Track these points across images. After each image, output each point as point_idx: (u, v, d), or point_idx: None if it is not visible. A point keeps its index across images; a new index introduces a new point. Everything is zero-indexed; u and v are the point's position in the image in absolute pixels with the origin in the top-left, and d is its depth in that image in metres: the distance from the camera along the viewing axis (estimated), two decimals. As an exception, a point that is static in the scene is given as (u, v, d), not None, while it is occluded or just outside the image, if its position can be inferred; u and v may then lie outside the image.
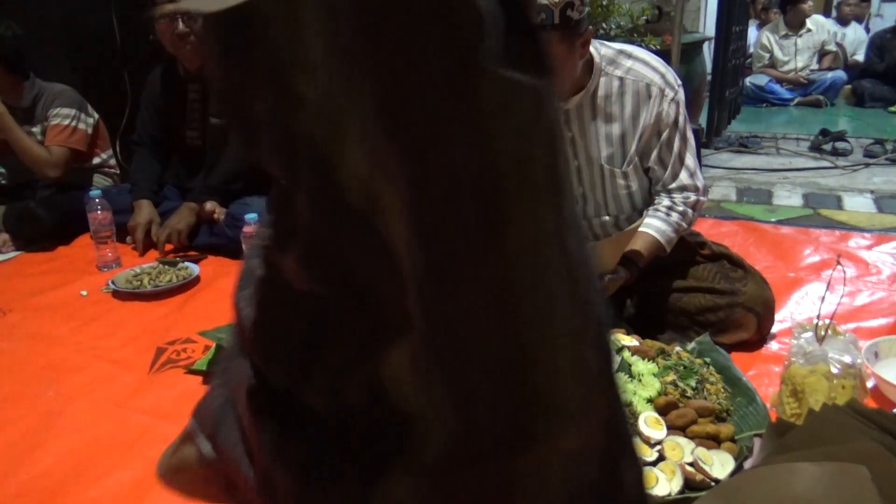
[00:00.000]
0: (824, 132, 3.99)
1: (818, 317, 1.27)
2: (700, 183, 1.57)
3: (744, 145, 4.05)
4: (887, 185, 3.13)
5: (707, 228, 2.42)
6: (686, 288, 1.63)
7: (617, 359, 1.31)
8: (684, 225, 1.57)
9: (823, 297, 1.27)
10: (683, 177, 1.56)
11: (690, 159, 1.56)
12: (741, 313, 1.56)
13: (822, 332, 1.25)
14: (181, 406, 1.45)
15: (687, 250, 1.69)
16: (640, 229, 1.56)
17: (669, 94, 1.51)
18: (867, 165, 3.52)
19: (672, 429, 1.16)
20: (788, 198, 2.95)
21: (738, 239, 2.34)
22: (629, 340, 1.40)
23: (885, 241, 2.27)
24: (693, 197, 1.56)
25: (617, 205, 1.64)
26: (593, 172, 1.60)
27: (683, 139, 1.54)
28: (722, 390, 1.28)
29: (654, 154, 1.55)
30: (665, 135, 1.53)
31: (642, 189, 1.61)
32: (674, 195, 1.56)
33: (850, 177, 3.29)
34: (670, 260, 1.66)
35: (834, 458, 0.81)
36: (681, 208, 1.56)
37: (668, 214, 1.56)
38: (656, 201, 1.58)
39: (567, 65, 1.41)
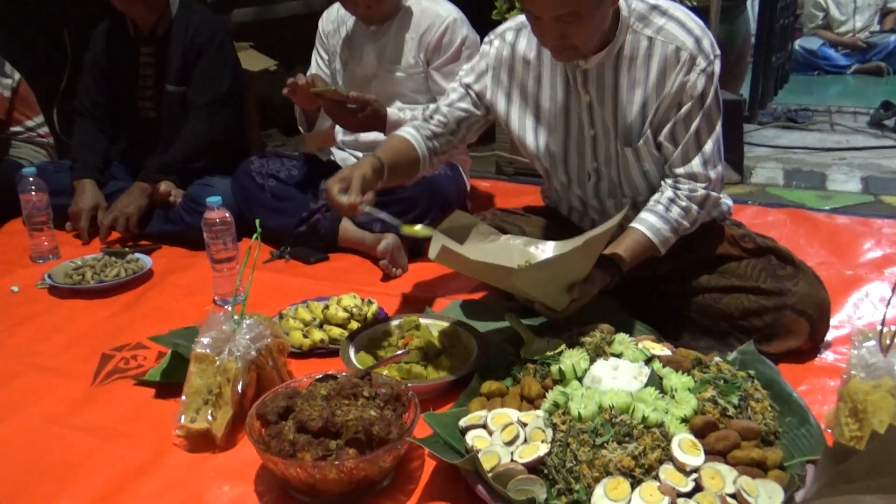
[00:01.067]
0: (886, 105, 3.99)
1: (882, 322, 1.27)
2: (715, 175, 1.56)
3: (792, 120, 4.05)
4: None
5: (750, 217, 2.42)
6: (726, 287, 1.63)
7: (646, 371, 1.30)
8: (686, 224, 1.55)
9: (889, 301, 1.26)
10: (695, 163, 1.54)
11: (710, 146, 1.54)
12: (791, 317, 1.56)
13: (888, 341, 1.25)
14: (130, 423, 1.44)
15: (726, 242, 1.68)
16: (631, 224, 1.56)
17: (701, 62, 1.49)
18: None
19: (711, 454, 1.15)
20: (845, 182, 2.94)
21: (786, 230, 2.34)
22: (660, 349, 1.39)
23: (960, 233, 2.28)
24: (701, 191, 1.55)
25: (631, 186, 1.64)
26: (609, 145, 1.60)
27: (707, 119, 1.53)
28: (769, 409, 1.27)
29: (668, 128, 1.54)
30: (685, 109, 1.51)
31: (660, 171, 1.60)
32: (679, 184, 1.55)
33: None
34: (702, 253, 1.67)
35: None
36: (683, 203, 1.55)
37: (667, 209, 1.55)
38: (659, 190, 1.58)
39: (595, 12, 1.40)
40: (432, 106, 1.75)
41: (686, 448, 1.14)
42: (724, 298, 1.62)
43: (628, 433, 1.16)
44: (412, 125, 1.73)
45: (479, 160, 3.34)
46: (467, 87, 1.71)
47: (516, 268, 1.41)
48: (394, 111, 2.18)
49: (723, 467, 1.12)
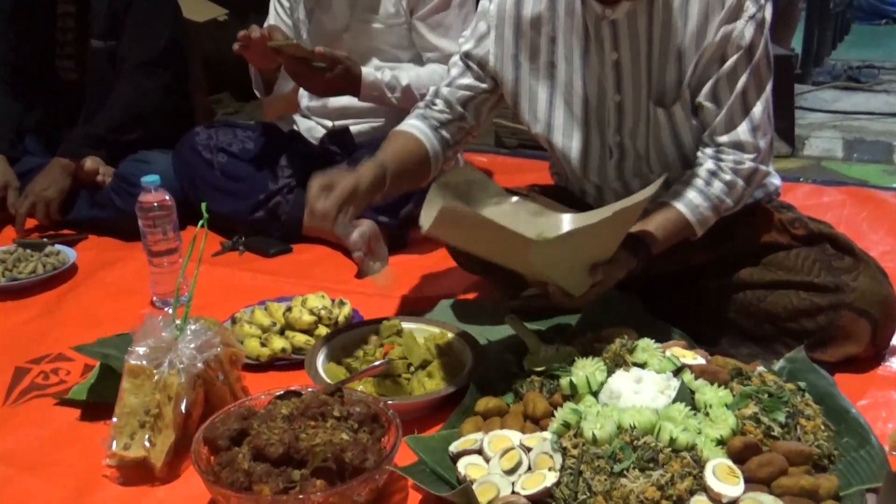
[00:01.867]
0: (968, 61, 4.01)
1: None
2: (764, 145, 1.57)
3: (854, 79, 4.07)
4: None
5: (802, 198, 2.44)
6: (772, 283, 1.64)
7: (675, 383, 1.32)
8: (729, 202, 1.57)
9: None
10: (742, 130, 1.55)
11: (759, 109, 1.55)
12: (850, 318, 1.58)
13: None
14: (51, 451, 1.44)
15: (772, 228, 1.69)
16: (663, 199, 1.58)
17: (750, 7, 1.51)
18: None
19: (752, 482, 1.17)
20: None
21: (845, 213, 2.36)
22: (692, 357, 1.41)
23: None
24: (749, 163, 1.56)
25: (662, 160, 1.65)
26: (639, 111, 1.61)
27: (756, 77, 1.54)
28: (822, 427, 1.29)
29: (709, 85, 1.55)
30: (730, 63, 1.53)
31: (696, 142, 1.62)
32: (723, 155, 1.57)
33: None
34: (744, 241, 1.68)
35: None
36: (728, 177, 1.56)
37: (707, 183, 1.56)
38: (698, 161, 1.59)
39: None
40: (432, 88, 1.75)
41: (722, 475, 1.16)
42: (770, 296, 1.63)
43: (653, 458, 1.17)
44: (417, 115, 1.73)
45: (474, 130, 3.36)
46: (466, 56, 1.71)
47: (535, 239, 1.39)
48: (370, 71, 2.18)
49: (767, 498, 1.14)
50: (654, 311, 1.67)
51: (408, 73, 2.25)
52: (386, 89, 2.22)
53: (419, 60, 2.33)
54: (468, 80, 1.71)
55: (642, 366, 1.38)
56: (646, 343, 1.42)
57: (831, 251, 1.66)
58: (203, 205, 1.51)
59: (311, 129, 2.44)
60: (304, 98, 2.46)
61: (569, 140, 1.70)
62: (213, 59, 3.64)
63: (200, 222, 1.44)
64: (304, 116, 2.48)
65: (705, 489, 1.14)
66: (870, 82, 4.05)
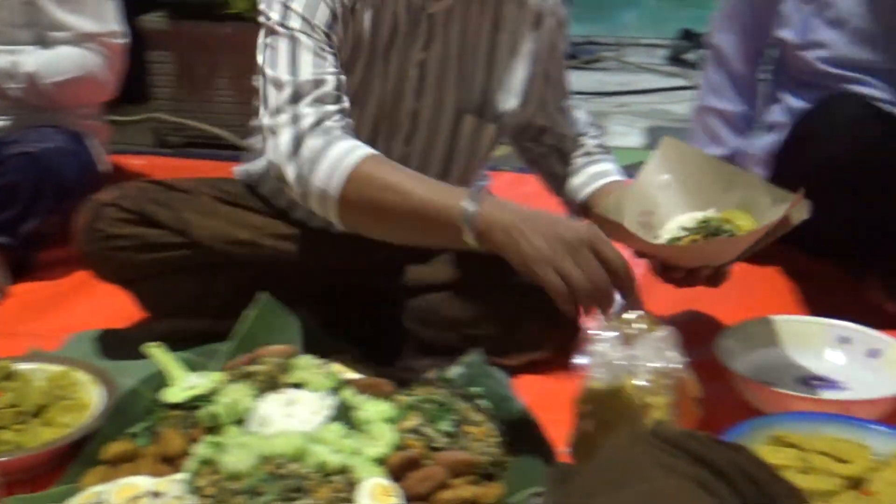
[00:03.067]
0: (687, 34, 4.49)
1: (623, 307, 1.46)
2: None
3: (571, 56, 4.44)
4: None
5: (504, 188, 2.60)
6: (452, 283, 1.78)
7: (331, 402, 1.40)
8: None
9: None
10: (581, 113, 1.90)
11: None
12: (534, 322, 1.74)
13: (631, 329, 1.42)
14: None
15: None
16: (609, 178, 1.81)
17: (559, 11, 1.78)
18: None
19: (412, 499, 1.27)
20: (625, 135, 3.31)
21: (545, 203, 2.55)
22: (353, 371, 1.52)
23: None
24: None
25: (444, 171, 1.77)
26: (439, 121, 1.72)
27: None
28: (492, 433, 1.42)
29: (543, 89, 1.82)
30: (556, 59, 1.82)
31: (489, 151, 1.83)
32: (590, 132, 1.89)
33: None
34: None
35: (631, 508, 0.99)
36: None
37: (607, 151, 1.90)
38: (578, 144, 1.84)
39: None
40: (316, 92, 1.55)
41: (377, 497, 1.24)
42: (450, 300, 1.76)
43: (300, 487, 1.24)
44: (353, 144, 1.53)
45: (127, 128, 3.30)
46: (328, 32, 1.57)
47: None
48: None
49: None
50: (324, 323, 1.74)
51: (33, 59, 2.21)
52: (1, 78, 2.17)
53: (46, 42, 2.29)
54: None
55: (300, 386, 1.44)
56: (305, 361, 1.49)
57: None
58: None
59: None
60: None
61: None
62: None
63: None
64: None
65: (358, 515, 1.22)
66: (587, 59, 4.41)
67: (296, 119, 1.50)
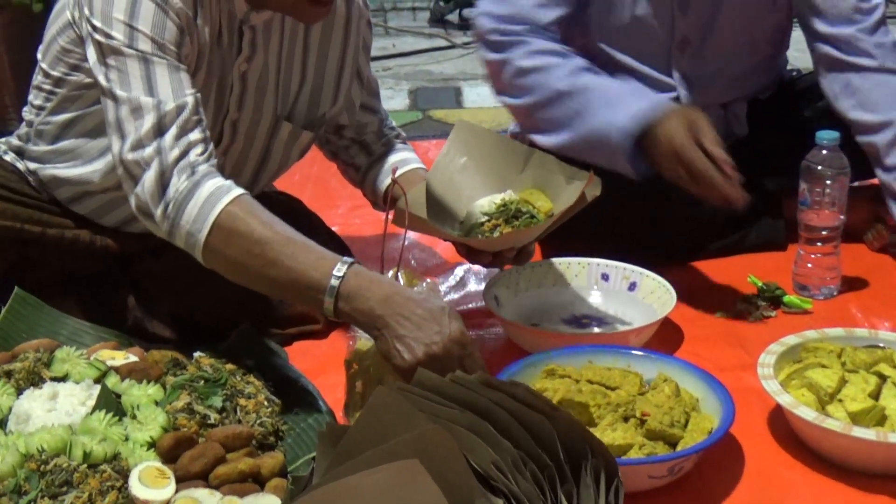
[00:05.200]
0: (447, -5, 4.59)
1: (382, 260, 1.55)
2: None
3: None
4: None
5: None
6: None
7: (95, 391, 1.41)
8: None
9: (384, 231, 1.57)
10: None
11: None
12: None
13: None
14: None
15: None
16: (407, 171, 1.83)
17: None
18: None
19: (188, 479, 1.28)
20: (390, 98, 3.42)
21: (315, 171, 2.61)
22: (122, 357, 1.53)
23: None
24: None
25: (249, 180, 1.79)
26: (256, 134, 1.74)
27: None
28: (266, 404, 1.46)
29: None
30: (366, 57, 1.88)
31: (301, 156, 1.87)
32: (388, 122, 1.98)
33: (473, 59, 3.80)
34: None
35: (392, 457, 1.03)
36: None
37: (405, 141, 1.97)
38: (379, 138, 1.93)
39: None
40: (179, 120, 1.50)
41: (149, 480, 1.26)
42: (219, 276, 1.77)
43: (67, 481, 1.24)
44: (218, 185, 1.50)
45: None
46: (177, 50, 1.53)
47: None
48: None
49: (202, 492, 1.26)
50: (97, 308, 1.75)
51: None
52: None
53: None
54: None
55: (63, 379, 1.45)
56: (65, 353, 1.50)
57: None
58: None
59: None
60: None
61: None
62: None
63: None
64: None
65: (133, 500, 1.23)
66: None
67: (160, 152, 1.46)
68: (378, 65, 3.80)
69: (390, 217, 1.59)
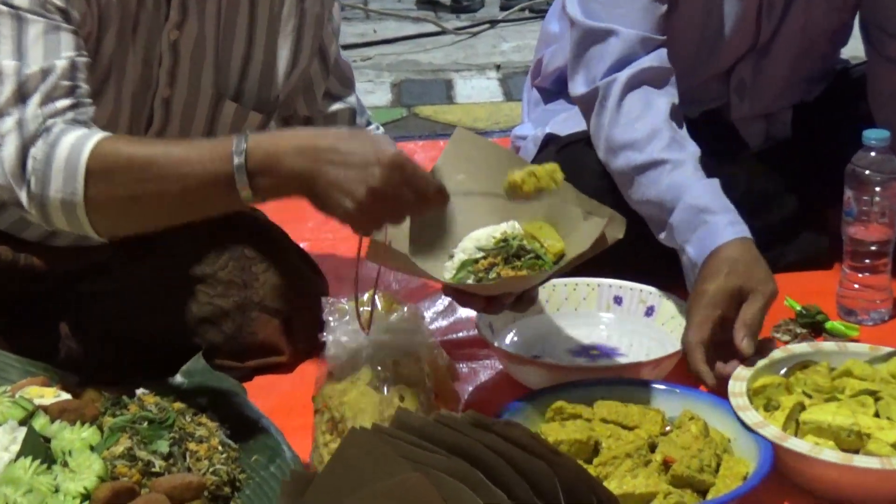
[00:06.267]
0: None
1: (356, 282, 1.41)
2: None
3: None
4: (518, 53, 3.56)
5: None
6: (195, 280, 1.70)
7: (21, 434, 1.31)
8: None
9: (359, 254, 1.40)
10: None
11: None
12: (260, 319, 1.70)
13: (367, 309, 1.40)
14: None
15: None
16: None
17: None
18: (493, 25, 3.94)
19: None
20: (371, 92, 3.25)
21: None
22: (52, 395, 1.43)
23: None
24: None
25: None
26: (196, 110, 1.63)
27: None
28: (220, 449, 1.35)
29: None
30: (328, 33, 1.73)
31: None
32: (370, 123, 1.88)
33: (467, 46, 3.70)
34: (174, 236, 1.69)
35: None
36: None
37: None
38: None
39: None
40: (43, 87, 1.39)
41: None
42: (166, 299, 1.68)
43: (-13, 538, 1.16)
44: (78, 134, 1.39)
45: None
46: (64, 6, 1.41)
47: None
48: None
49: None
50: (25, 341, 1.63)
51: None
52: None
53: None
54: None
55: (-18, 420, 1.36)
56: (-11, 392, 1.42)
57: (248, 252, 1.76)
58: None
59: None
60: None
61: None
62: None
63: None
64: None
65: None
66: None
67: (20, 125, 1.34)
68: (356, 53, 3.59)
69: (363, 247, 1.39)
